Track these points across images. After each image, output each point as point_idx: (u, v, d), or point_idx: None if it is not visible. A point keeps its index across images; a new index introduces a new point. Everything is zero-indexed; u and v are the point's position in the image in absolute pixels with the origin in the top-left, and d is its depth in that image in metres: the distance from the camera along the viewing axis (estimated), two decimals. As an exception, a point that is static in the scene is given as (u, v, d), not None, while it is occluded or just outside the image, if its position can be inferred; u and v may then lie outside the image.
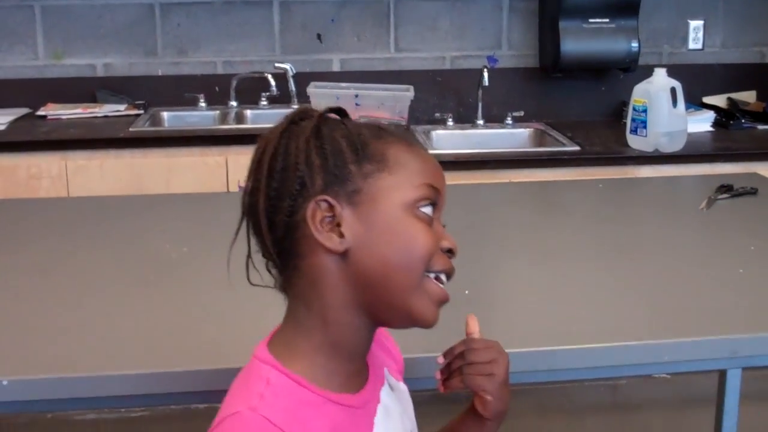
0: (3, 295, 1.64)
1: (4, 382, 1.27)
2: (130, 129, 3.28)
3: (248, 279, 1.01)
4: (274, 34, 3.67)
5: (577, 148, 3.29)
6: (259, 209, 0.95)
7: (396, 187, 0.96)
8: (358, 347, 1.01)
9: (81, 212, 2.23)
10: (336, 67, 3.71)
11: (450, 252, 0.99)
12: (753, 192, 2.27)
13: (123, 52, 3.63)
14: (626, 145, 3.26)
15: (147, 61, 3.65)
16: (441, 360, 1.13)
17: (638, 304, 1.53)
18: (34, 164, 3.10)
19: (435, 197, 0.98)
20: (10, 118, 3.39)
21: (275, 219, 0.96)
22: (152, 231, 2.00)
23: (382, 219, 0.95)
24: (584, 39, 3.53)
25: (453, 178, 3.06)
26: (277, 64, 3.57)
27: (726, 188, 2.26)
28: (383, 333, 1.14)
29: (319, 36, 3.68)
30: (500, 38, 3.75)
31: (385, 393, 1.05)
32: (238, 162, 3.13)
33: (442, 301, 0.99)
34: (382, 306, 0.97)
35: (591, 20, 3.51)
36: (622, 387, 3.35)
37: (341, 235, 0.94)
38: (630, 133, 3.22)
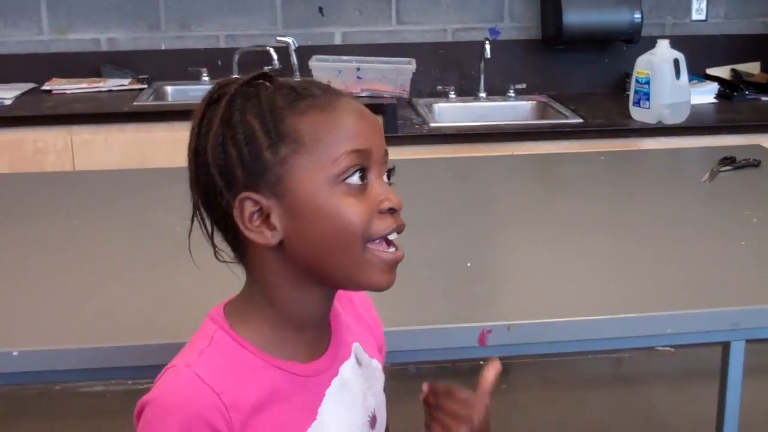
0: (11, 268, 1.66)
1: (15, 353, 1.30)
2: (134, 103, 3.28)
3: (216, 257, 1.01)
4: (275, 8, 3.66)
5: (579, 120, 3.29)
6: (197, 207, 0.97)
7: (314, 167, 0.92)
8: (310, 316, 1.00)
9: (87, 186, 2.25)
10: (338, 41, 3.70)
11: (392, 210, 0.95)
12: (756, 164, 2.27)
13: (126, 26, 3.63)
14: (629, 117, 3.26)
15: (150, 35, 3.65)
16: (425, 388, 1.11)
17: (640, 277, 1.55)
18: (40, 138, 3.11)
19: (362, 161, 0.93)
20: (16, 92, 3.40)
21: (213, 215, 0.96)
22: (158, 204, 2.02)
23: (307, 204, 0.92)
24: (586, 10, 3.51)
25: (455, 151, 3.11)
26: (279, 38, 3.56)
27: (729, 160, 2.26)
28: (365, 307, 1.13)
29: (320, 9, 3.68)
30: (502, 10, 3.74)
31: (348, 367, 1.05)
32: (242, 136, 3.14)
33: (393, 264, 0.97)
34: (330, 281, 0.97)
35: (593, -9, 3.50)
36: (626, 360, 3.38)
37: (273, 227, 0.93)
38: (633, 105, 3.22)
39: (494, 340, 1.32)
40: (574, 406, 3.09)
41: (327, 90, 0.96)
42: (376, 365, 1.10)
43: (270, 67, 3.54)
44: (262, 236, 0.93)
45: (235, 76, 1.00)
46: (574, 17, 3.51)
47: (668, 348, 3.39)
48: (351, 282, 0.97)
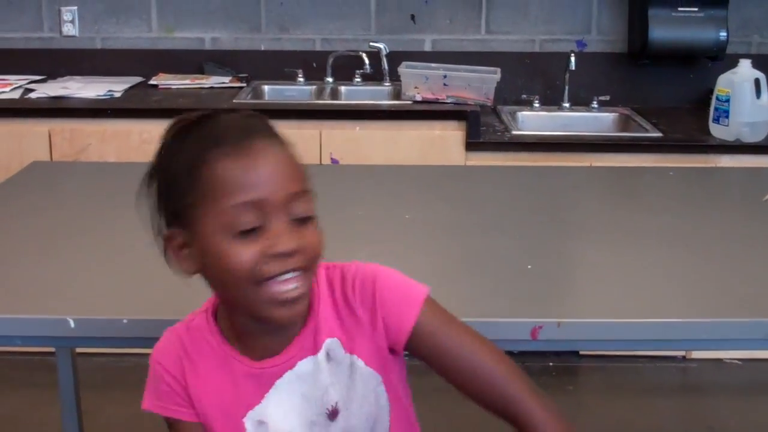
0: (121, 249, 1.85)
1: (124, 321, 1.49)
2: (234, 101, 3.49)
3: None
4: (370, 14, 3.83)
5: (659, 134, 3.37)
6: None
7: (213, 214, 1.04)
8: (257, 330, 1.13)
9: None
10: (428, 47, 3.85)
11: (279, 255, 1.04)
12: (823, 185, 2.31)
13: (229, 27, 3.85)
14: (709, 133, 3.33)
15: (251, 36, 3.86)
16: None
17: (687, 285, 1.63)
18: (146, 130, 3.32)
19: (254, 210, 1.03)
20: (125, 86, 3.64)
21: None
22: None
23: (207, 247, 1.06)
24: (673, 27, 3.58)
25: (535, 160, 3.23)
26: (371, 44, 3.73)
27: (795, 180, 2.32)
28: (378, 302, 1.15)
29: (412, 17, 3.83)
30: (590, 23, 3.83)
31: (308, 362, 1.15)
32: (332, 135, 3.32)
33: (285, 301, 1.06)
34: (242, 311, 1.12)
35: (680, 9, 3.57)
36: (692, 370, 3.43)
37: (191, 260, 1.10)
38: (712, 121, 3.29)
39: (545, 335, 1.45)
40: (639, 411, 3.16)
41: (244, 136, 1.06)
42: (356, 362, 1.16)
43: (362, 71, 3.72)
44: (181, 266, 1.12)
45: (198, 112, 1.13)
46: (660, 33, 3.58)
47: (735, 360, 3.44)
48: (254, 315, 1.10)
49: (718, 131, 3.27)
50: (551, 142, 3.36)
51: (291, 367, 1.15)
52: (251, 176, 1.04)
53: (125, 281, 1.67)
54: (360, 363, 1.17)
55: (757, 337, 1.46)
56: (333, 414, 1.17)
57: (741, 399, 3.27)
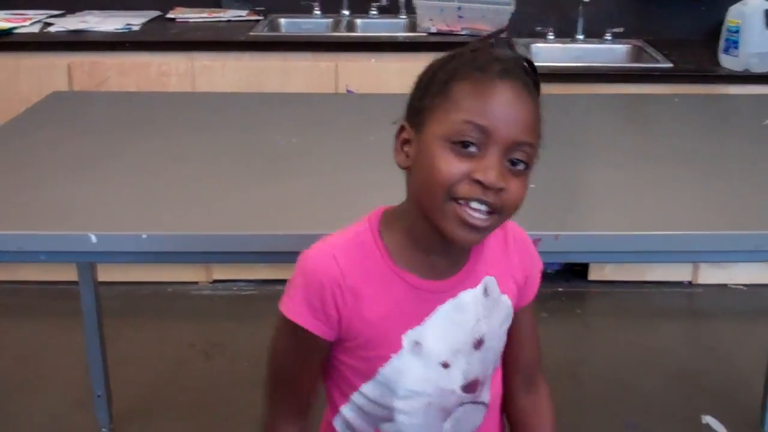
0: (140, 172, 1.93)
1: (144, 236, 1.56)
2: (251, 33, 3.53)
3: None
4: (386, -54, 3.84)
5: (670, 65, 3.40)
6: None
7: (441, 120, 1.10)
8: (431, 244, 1.16)
9: (205, 105, 2.50)
10: (443, -21, 3.87)
11: (480, 183, 1.07)
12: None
13: (245, -40, 3.88)
14: (719, 64, 3.36)
15: (267, -31, 3.90)
16: None
17: (682, 200, 1.70)
18: (164, 62, 3.39)
19: (476, 134, 1.07)
20: (143, 19, 3.70)
21: None
22: (267, 124, 2.27)
23: (425, 147, 1.11)
24: (686, -42, 3.59)
25: (549, 90, 3.19)
26: (388, -25, 3.76)
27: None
28: (521, 247, 1.28)
29: (428, -52, 3.84)
30: (604, -46, 3.83)
31: (469, 294, 1.21)
32: (347, 67, 3.37)
33: (465, 222, 1.09)
34: (425, 216, 1.14)
35: (694, -61, 3.57)
36: (698, 295, 3.52)
37: (408, 155, 1.14)
38: (722, 52, 3.32)
39: (543, 248, 1.52)
40: (643, 333, 3.26)
41: (507, 76, 1.10)
42: (504, 300, 1.27)
43: (378, 3, 3.75)
44: (399, 157, 1.17)
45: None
46: (674, -37, 3.59)
47: (740, 286, 3.52)
48: (435, 224, 1.13)
49: (727, 62, 3.30)
50: (565, 73, 3.39)
51: (453, 296, 1.21)
52: (494, 108, 1.08)
53: (145, 202, 1.74)
54: (509, 303, 1.27)
55: (748, 248, 1.54)
56: (478, 344, 1.25)
57: (744, 323, 3.35)
